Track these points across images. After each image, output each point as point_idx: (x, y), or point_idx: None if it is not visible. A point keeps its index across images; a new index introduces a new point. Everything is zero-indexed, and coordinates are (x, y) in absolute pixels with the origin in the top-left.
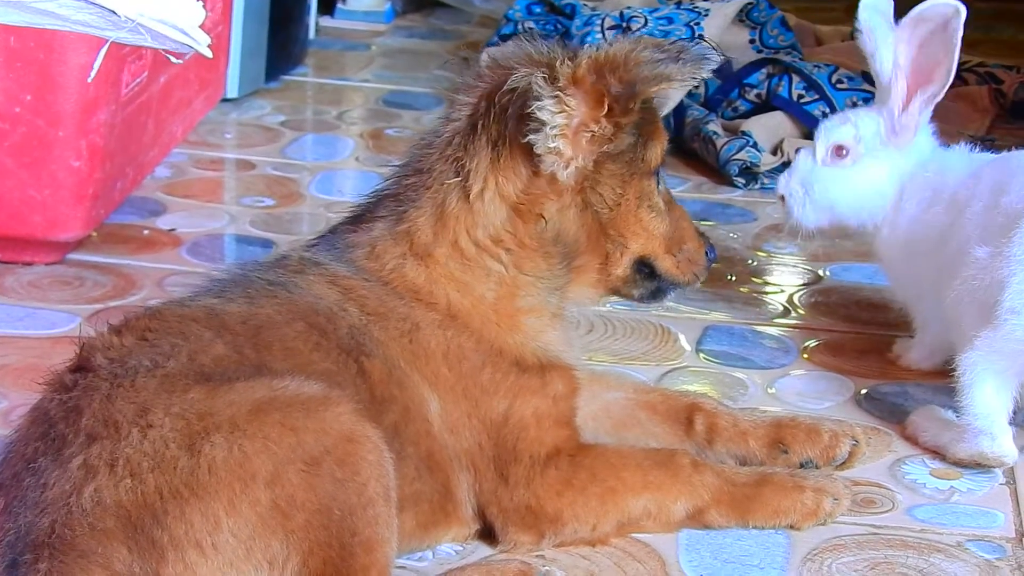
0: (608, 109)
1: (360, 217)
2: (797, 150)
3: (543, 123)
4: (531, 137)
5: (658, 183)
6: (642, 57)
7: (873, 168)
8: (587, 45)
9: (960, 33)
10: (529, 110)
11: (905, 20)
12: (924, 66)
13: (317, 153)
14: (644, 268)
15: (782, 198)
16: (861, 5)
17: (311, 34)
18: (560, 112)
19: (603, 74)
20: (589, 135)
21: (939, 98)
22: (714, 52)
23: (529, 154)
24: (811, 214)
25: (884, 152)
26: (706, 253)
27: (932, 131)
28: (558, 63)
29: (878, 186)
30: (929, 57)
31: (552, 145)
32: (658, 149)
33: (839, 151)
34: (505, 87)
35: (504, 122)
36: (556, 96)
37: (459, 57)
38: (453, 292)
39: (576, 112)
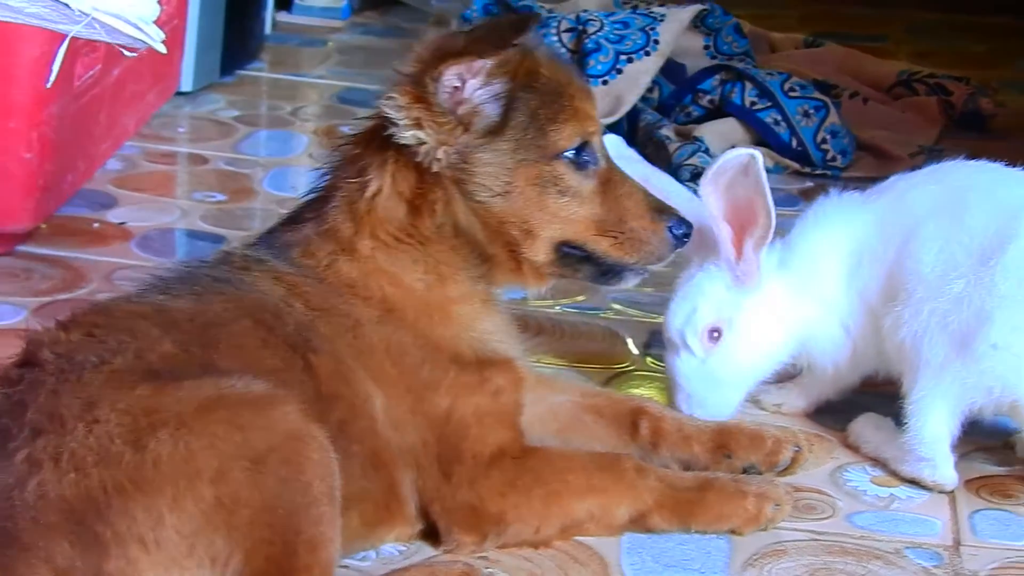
0: (426, 98)
1: (293, 218)
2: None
3: (395, 123)
4: (391, 131)
5: (581, 165)
6: (443, 41)
7: (754, 319)
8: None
9: (764, 175)
10: (382, 109)
11: (706, 177)
12: (742, 212)
13: (270, 149)
14: (575, 251)
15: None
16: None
17: (267, 29)
18: (400, 108)
19: (423, 64)
20: (435, 125)
21: (769, 239)
22: (534, 15)
23: (409, 154)
24: (728, 403)
25: (747, 300)
26: (670, 229)
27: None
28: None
29: (774, 322)
30: (743, 202)
31: (408, 135)
32: (564, 131)
33: (713, 334)
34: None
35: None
36: (392, 97)
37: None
38: (386, 284)
39: (412, 106)
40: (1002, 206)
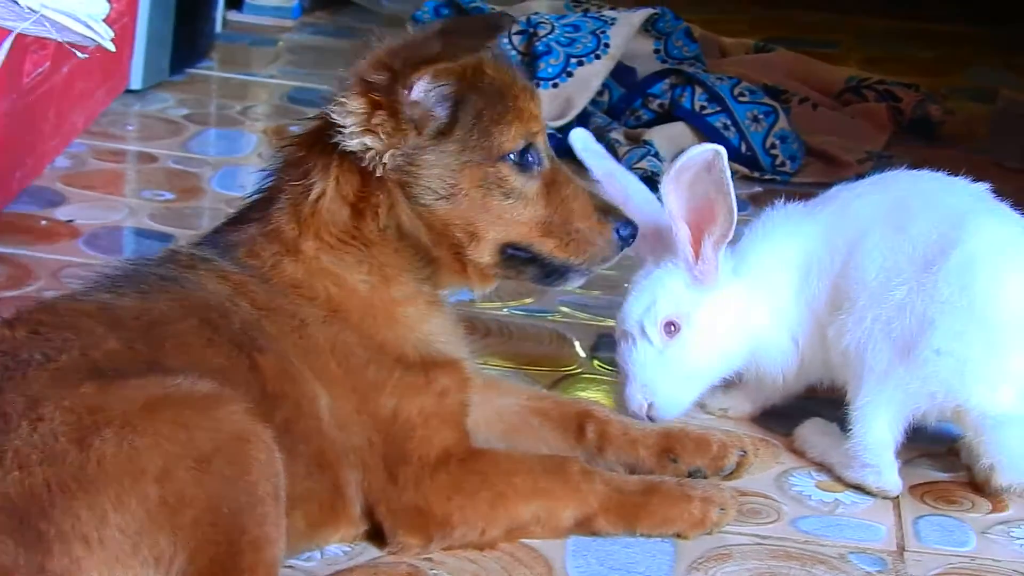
0: (379, 102)
1: (239, 217)
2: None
3: (340, 125)
4: (337, 138)
5: (526, 167)
6: (405, 44)
7: (712, 318)
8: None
9: (728, 173)
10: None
11: (668, 174)
12: (702, 211)
13: (220, 148)
14: (520, 252)
15: (650, 407)
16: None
17: (217, 28)
18: (349, 113)
19: (377, 68)
20: (375, 125)
21: (729, 237)
22: (506, 17)
23: (352, 155)
24: (682, 400)
25: (705, 298)
26: (616, 231)
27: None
28: (357, 64)
29: (731, 324)
30: (702, 201)
31: (355, 142)
32: (508, 132)
33: (670, 328)
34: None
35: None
36: (341, 101)
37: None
38: (330, 285)
39: (359, 110)
40: (944, 214)
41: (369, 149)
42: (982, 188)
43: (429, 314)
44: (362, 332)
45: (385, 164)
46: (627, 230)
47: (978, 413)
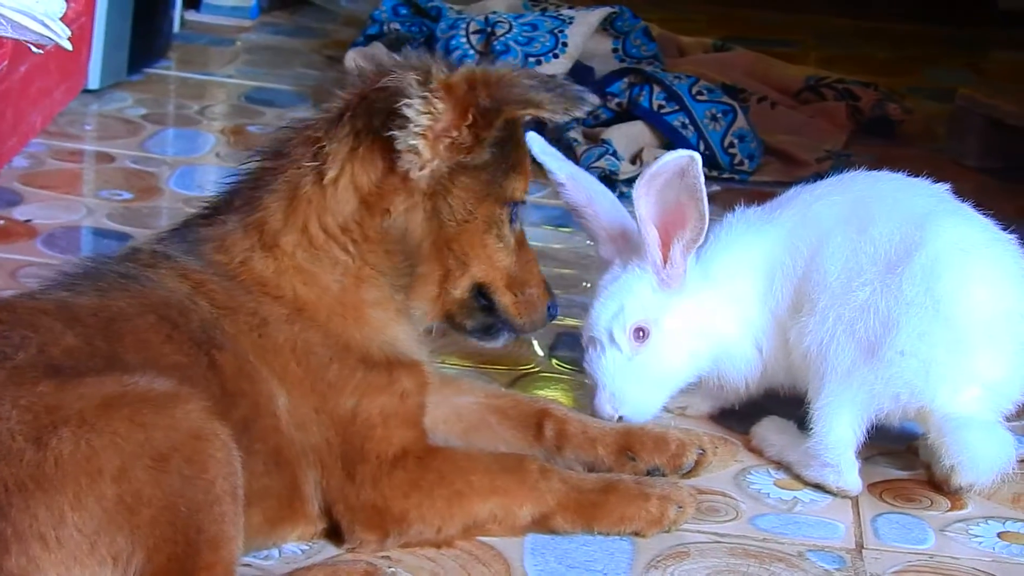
0: (472, 120)
1: (214, 209)
2: (583, 363)
3: (408, 120)
4: (394, 132)
5: (512, 219)
6: (515, 80)
7: (682, 322)
8: (470, 63)
9: (702, 179)
10: (397, 107)
11: (642, 178)
12: (671, 215)
13: (177, 147)
14: (483, 299)
15: (621, 418)
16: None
17: (175, 27)
18: (426, 113)
19: (475, 86)
20: (448, 141)
21: (699, 243)
22: (591, 95)
23: (388, 149)
24: (657, 402)
25: (674, 302)
26: (548, 308)
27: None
28: (434, 68)
29: (696, 329)
30: (672, 205)
31: (412, 143)
32: (519, 183)
33: (639, 334)
34: (378, 85)
35: (371, 116)
36: (425, 96)
37: (324, 56)
38: (299, 284)
39: (441, 116)
40: (906, 215)
41: (416, 152)
42: (942, 188)
43: (396, 320)
44: (328, 331)
45: (423, 171)
46: (556, 310)
47: (941, 414)
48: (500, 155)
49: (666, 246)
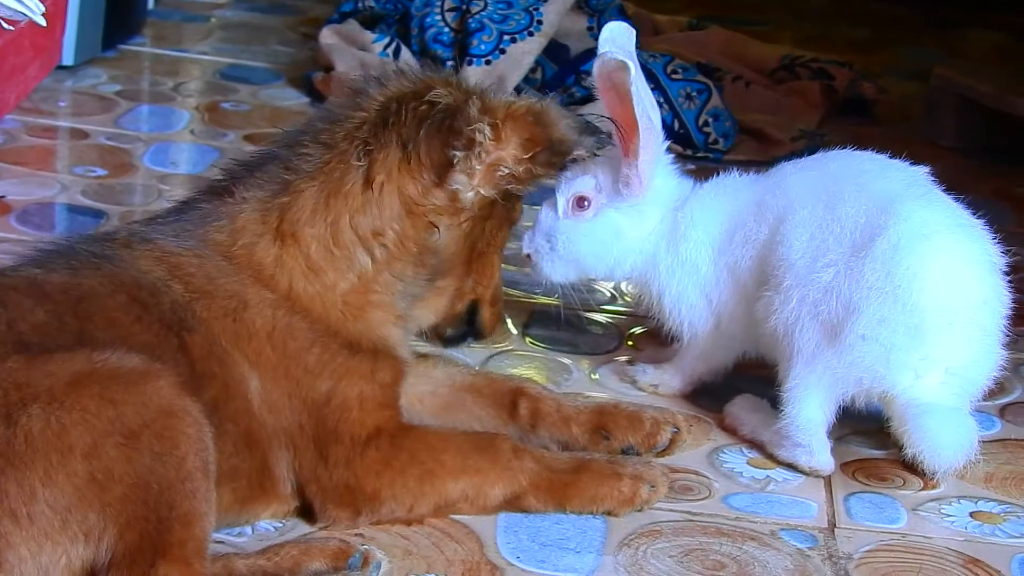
0: (532, 156)
1: (227, 186)
2: (541, 204)
3: (473, 144)
4: (455, 152)
5: None
6: (567, 121)
7: (614, 219)
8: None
9: (634, 87)
10: (457, 127)
11: (594, 70)
12: (624, 117)
13: (152, 124)
14: (471, 313)
15: (528, 256)
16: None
17: (150, 4)
18: (494, 140)
19: (540, 122)
20: (505, 172)
21: (653, 159)
22: (605, 135)
23: (438, 165)
24: (558, 269)
25: (624, 203)
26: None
27: (678, 173)
28: (489, 95)
29: (622, 236)
30: (619, 108)
31: (476, 167)
32: (519, 206)
33: (580, 203)
34: (425, 98)
35: (419, 129)
36: (495, 125)
37: (298, 33)
38: (298, 278)
39: (506, 146)
40: (874, 198)
41: (471, 175)
42: (920, 172)
43: (393, 323)
44: (316, 319)
45: (468, 195)
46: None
47: (904, 400)
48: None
49: (626, 146)
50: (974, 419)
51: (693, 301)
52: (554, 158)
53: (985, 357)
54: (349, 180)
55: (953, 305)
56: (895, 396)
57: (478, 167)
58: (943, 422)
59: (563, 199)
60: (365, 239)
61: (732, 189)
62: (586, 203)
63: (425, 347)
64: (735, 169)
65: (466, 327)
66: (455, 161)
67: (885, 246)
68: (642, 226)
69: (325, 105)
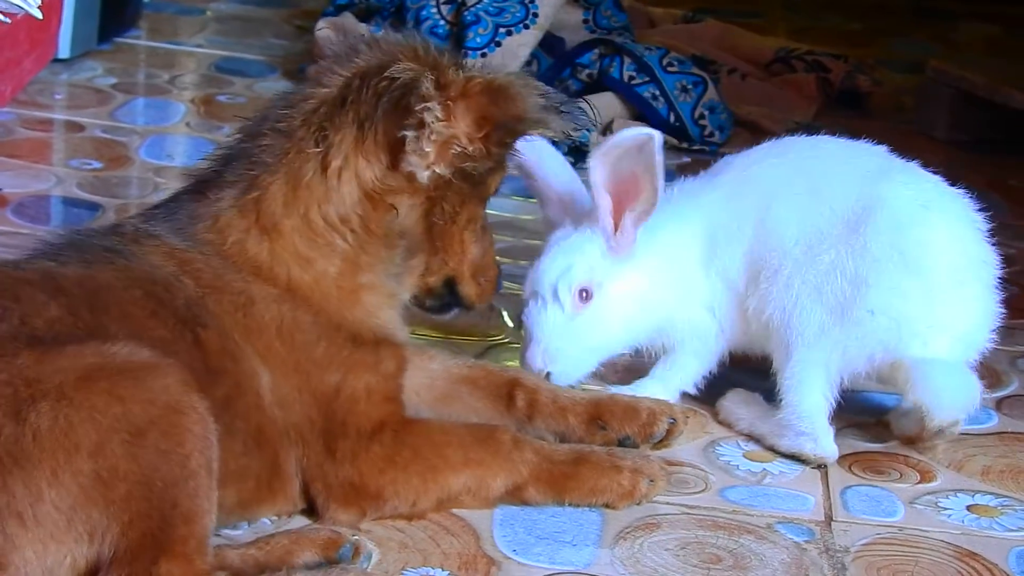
0: (485, 135)
1: (206, 183)
2: (522, 316)
3: (423, 124)
4: (407, 133)
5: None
6: (531, 98)
7: (625, 289)
8: (472, 61)
9: (659, 157)
10: (411, 105)
11: (599, 149)
12: (625, 185)
13: (148, 117)
14: (448, 286)
15: (548, 375)
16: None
17: None
18: (444, 120)
19: (495, 100)
20: (458, 150)
21: (649, 216)
22: (588, 119)
23: (392, 145)
24: (588, 367)
25: (620, 269)
26: (496, 284)
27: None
28: (449, 70)
29: (638, 297)
30: (627, 176)
31: (427, 149)
32: (498, 179)
33: (583, 295)
34: (385, 73)
35: (376, 107)
36: (446, 104)
37: (294, 26)
38: (295, 268)
39: (457, 125)
40: (858, 175)
41: (425, 155)
42: (882, 148)
43: (389, 305)
44: (320, 311)
45: (425, 174)
46: (500, 286)
47: (911, 361)
48: (495, 163)
49: (618, 214)
50: (976, 377)
51: (699, 320)
52: (508, 136)
53: (987, 315)
54: (308, 169)
55: (959, 266)
56: (902, 360)
57: (428, 148)
58: (949, 375)
59: (567, 298)
60: (335, 226)
61: (696, 200)
62: (586, 294)
63: (421, 339)
64: (681, 179)
65: (448, 298)
66: (407, 141)
67: (887, 219)
68: (645, 277)
69: (282, 90)
